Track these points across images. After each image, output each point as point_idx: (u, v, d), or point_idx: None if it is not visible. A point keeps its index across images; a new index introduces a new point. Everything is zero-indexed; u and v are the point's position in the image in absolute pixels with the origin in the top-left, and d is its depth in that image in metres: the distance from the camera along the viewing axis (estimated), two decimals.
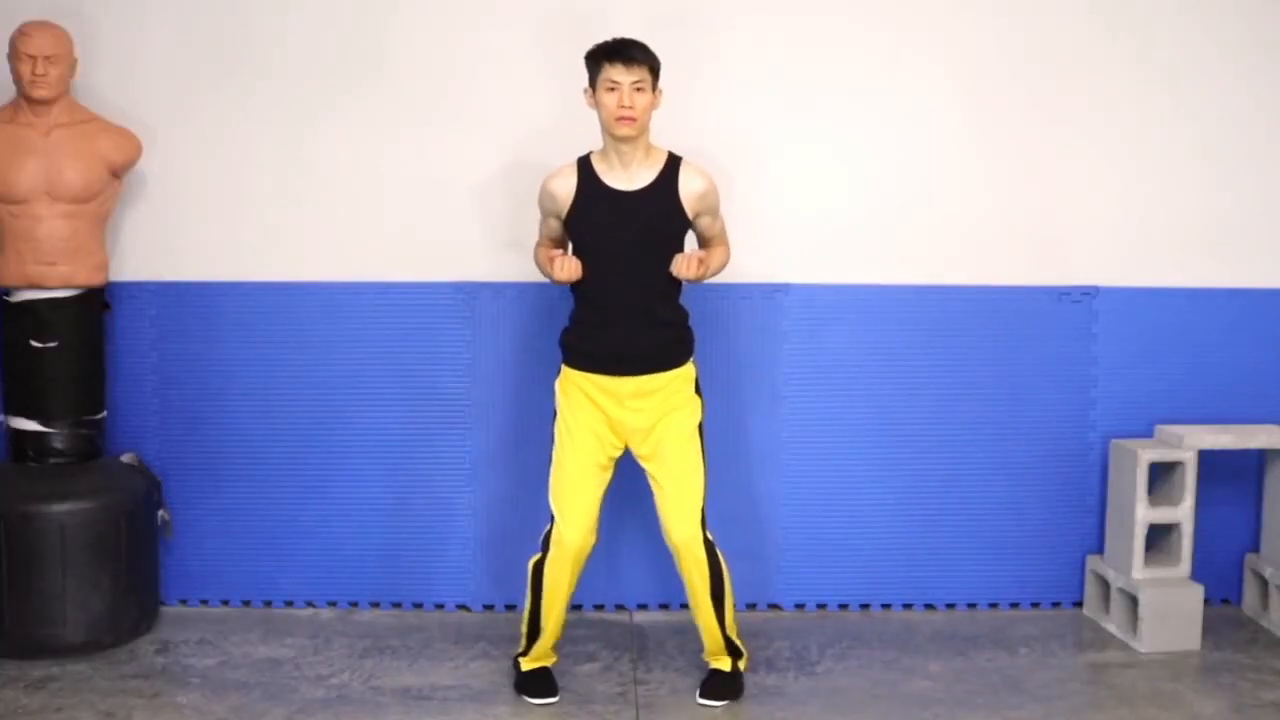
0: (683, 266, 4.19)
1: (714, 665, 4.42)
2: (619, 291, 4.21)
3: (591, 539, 4.29)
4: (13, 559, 4.55)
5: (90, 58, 4.82)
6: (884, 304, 5.05)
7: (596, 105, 4.19)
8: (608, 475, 4.34)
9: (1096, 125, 5.06)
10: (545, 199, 4.30)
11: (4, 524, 4.56)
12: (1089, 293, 5.08)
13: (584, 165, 4.28)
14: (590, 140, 4.33)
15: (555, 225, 4.32)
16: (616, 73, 4.11)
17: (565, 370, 4.34)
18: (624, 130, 4.13)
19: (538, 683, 4.39)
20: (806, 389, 5.05)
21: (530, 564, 4.34)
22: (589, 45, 4.23)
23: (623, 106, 4.11)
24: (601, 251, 4.22)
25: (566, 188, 4.25)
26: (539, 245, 4.42)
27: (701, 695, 4.36)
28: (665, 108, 4.26)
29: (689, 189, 4.23)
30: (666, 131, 4.33)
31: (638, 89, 4.12)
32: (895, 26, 4.99)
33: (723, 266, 4.42)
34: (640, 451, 4.31)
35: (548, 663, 4.44)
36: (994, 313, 5.07)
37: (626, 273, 4.21)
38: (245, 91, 4.96)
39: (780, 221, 5.03)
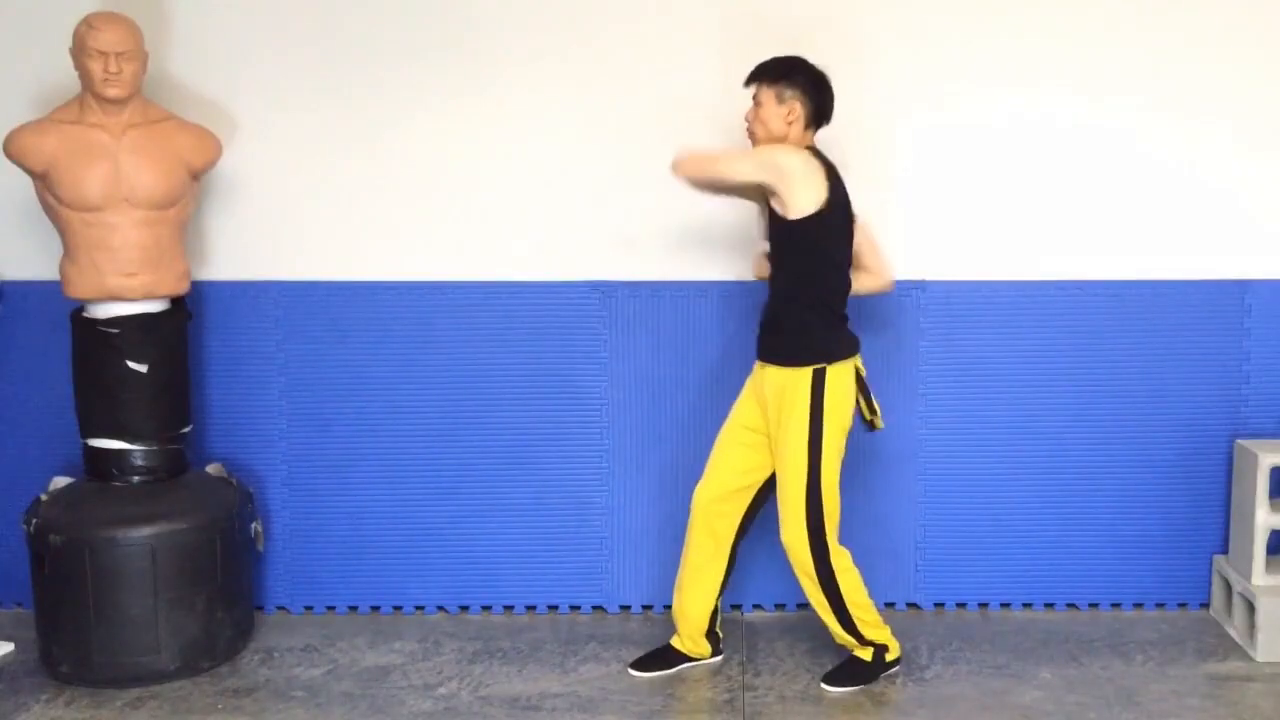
0: None
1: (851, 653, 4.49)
2: None
3: None
4: (100, 586, 4.36)
5: (157, 49, 4.67)
6: (1023, 300, 4.92)
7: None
8: None
9: (1248, 112, 4.85)
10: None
11: (89, 550, 4.36)
12: (1241, 286, 4.90)
13: None
14: (709, 129, 4.61)
15: None
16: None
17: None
18: None
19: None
20: (945, 387, 4.97)
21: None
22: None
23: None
24: None
25: None
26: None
27: (825, 680, 4.46)
28: None
29: None
30: None
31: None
32: (1047, 11, 4.83)
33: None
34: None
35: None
36: (1138, 308, 4.91)
37: None
38: (359, 79, 4.86)
39: (917, 217, 4.91)
